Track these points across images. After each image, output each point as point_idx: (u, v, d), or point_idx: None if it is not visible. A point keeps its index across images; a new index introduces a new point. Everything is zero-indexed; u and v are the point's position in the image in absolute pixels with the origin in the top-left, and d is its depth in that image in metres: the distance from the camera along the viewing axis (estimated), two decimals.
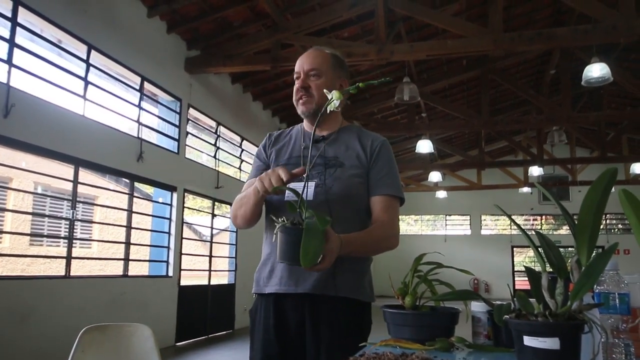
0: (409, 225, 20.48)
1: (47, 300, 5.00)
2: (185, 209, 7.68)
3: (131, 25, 6.41)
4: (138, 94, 6.65)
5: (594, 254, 1.00)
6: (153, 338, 2.02)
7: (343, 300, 1.57)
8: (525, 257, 20.63)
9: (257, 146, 1.84)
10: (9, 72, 4.66)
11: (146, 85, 6.77)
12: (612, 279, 1.07)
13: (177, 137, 7.44)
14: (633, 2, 5.89)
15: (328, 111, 1.37)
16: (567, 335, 0.95)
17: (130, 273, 6.55)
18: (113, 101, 6.23)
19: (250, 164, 1.52)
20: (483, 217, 19.68)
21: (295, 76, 1.69)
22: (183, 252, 7.47)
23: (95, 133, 5.75)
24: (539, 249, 1.06)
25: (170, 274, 7.14)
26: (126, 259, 6.45)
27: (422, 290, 1.41)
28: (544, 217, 19.72)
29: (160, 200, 7.51)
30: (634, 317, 1.05)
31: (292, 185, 1.50)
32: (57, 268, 9.18)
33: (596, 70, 7.17)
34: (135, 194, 6.84)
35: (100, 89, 5.99)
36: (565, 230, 19.08)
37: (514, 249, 19.24)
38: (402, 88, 8.12)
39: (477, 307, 1.37)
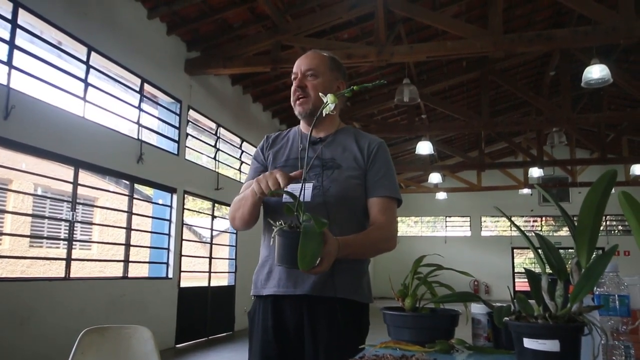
0: (409, 226, 20.47)
1: (47, 302, 5.00)
2: (185, 211, 7.68)
3: (131, 26, 6.42)
4: (138, 95, 6.65)
5: (593, 255, 1.00)
6: (153, 340, 2.02)
7: (341, 301, 1.57)
8: (525, 259, 20.63)
9: (256, 147, 1.85)
10: (9, 74, 4.66)
11: (146, 86, 6.78)
12: (612, 280, 1.07)
13: (177, 138, 7.44)
14: (633, 4, 5.89)
15: (324, 114, 1.37)
16: (567, 337, 0.95)
17: (130, 275, 6.55)
18: (113, 103, 6.24)
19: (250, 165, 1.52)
20: (483, 218, 19.68)
21: (292, 77, 1.70)
22: (183, 253, 7.47)
23: (95, 135, 5.76)
24: (539, 250, 1.06)
25: (170, 275, 7.13)
26: (126, 261, 6.45)
27: (422, 292, 1.40)
28: (544, 218, 19.72)
29: (160, 201, 7.51)
30: (634, 319, 1.05)
31: (289, 187, 1.50)
32: (56, 270, 9.18)
33: (596, 72, 7.18)
34: (135, 196, 6.84)
35: (100, 91, 5.99)
36: (565, 232, 19.07)
37: (514, 250, 19.23)
38: (402, 89, 8.12)
39: (477, 309, 1.37)
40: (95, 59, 5.87)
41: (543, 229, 19.50)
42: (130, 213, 6.64)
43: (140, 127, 6.60)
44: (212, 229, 8.66)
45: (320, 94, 1.50)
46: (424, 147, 10.66)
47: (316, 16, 7.22)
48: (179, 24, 7.07)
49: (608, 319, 1.04)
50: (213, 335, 8.17)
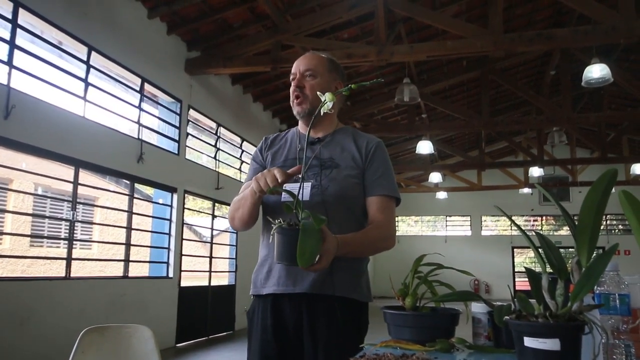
0: (409, 226, 20.48)
1: (47, 301, 5.00)
2: (185, 210, 7.68)
3: (131, 26, 6.42)
4: (138, 95, 6.65)
5: (594, 254, 1.00)
6: (153, 339, 2.02)
7: (340, 299, 1.57)
8: (525, 258, 20.64)
9: (256, 147, 1.86)
10: (9, 74, 4.66)
11: (146, 86, 6.78)
12: (612, 279, 1.07)
13: (177, 138, 7.44)
14: (633, 3, 5.89)
15: (322, 113, 1.38)
16: (567, 336, 0.95)
17: (130, 274, 6.55)
18: (113, 102, 6.24)
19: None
20: (483, 217, 19.68)
21: (291, 77, 1.72)
22: (183, 253, 7.47)
23: (96, 134, 5.76)
24: (540, 249, 1.06)
25: (171, 275, 7.14)
26: (126, 260, 6.45)
27: (423, 291, 1.41)
28: (544, 217, 19.72)
29: (161, 201, 7.51)
30: (635, 318, 1.05)
31: (288, 186, 1.52)
32: (57, 269, 9.18)
33: (596, 71, 7.17)
34: (135, 195, 6.84)
35: (101, 90, 6.00)
36: (565, 231, 19.07)
37: (515, 249, 19.24)
38: (402, 89, 8.12)
39: (478, 308, 1.37)
40: (96, 59, 5.87)
41: (543, 228, 19.50)
42: (130, 212, 6.65)
43: (140, 127, 6.61)
44: (212, 229, 8.66)
45: (318, 92, 1.51)
46: (424, 147, 10.66)
47: (316, 16, 7.22)
48: (179, 23, 7.07)
49: (608, 318, 1.04)
50: (213, 335, 8.18)
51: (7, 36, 4.74)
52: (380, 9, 6.67)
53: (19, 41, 4.85)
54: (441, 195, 17.40)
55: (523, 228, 1.18)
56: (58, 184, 7.46)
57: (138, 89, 6.65)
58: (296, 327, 1.58)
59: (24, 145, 4.82)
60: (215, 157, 8.65)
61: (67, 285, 5.33)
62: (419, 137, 11.23)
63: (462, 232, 19.94)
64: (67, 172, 5.68)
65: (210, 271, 8.42)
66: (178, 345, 7.15)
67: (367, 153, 1.68)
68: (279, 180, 1.41)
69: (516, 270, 19.11)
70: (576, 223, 1.00)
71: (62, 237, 9.27)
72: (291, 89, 1.70)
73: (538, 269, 1.13)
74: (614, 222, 18.93)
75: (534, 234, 1.13)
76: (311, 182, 1.62)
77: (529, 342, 0.97)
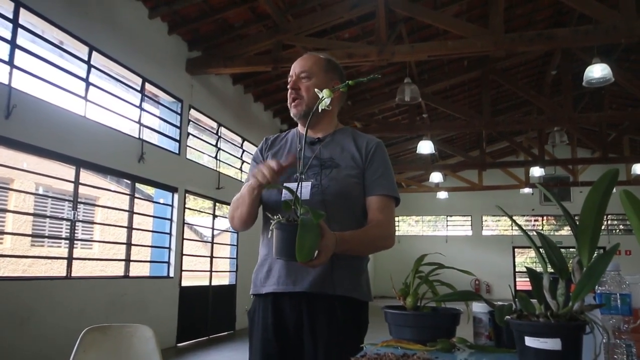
0: (410, 226, 20.47)
1: (48, 301, 5.00)
2: (186, 210, 7.69)
3: (132, 26, 6.42)
4: (139, 95, 6.66)
5: (595, 254, 1.00)
6: (154, 339, 2.02)
7: (340, 298, 1.58)
8: (526, 258, 20.64)
9: (257, 147, 1.87)
10: (10, 73, 4.67)
11: (147, 86, 6.78)
12: (613, 279, 1.07)
13: (178, 138, 7.45)
14: (634, 3, 5.88)
15: (320, 110, 1.39)
16: (568, 336, 0.95)
17: (131, 274, 6.56)
18: (114, 102, 6.24)
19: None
20: (484, 217, 19.67)
21: (288, 79, 1.73)
22: (184, 253, 7.48)
23: (97, 134, 5.76)
24: (541, 249, 1.07)
25: (171, 274, 7.14)
26: (127, 260, 6.46)
27: (424, 291, 1.41)
28: (545, 217, 19.71)
29: (161, 201, 7.52)
30: (636, 318, 1.05)
31: (288, 185, 1.55)
32: (58, 269, 9.21)
33: (597, 71, 7.16)
34: (136, 195, 6.85)
35: (102, 90, 6.00)
36: (566, 231, 19.06)
37: (515, 249, 19.23)
38: (403, 89, 8.11)
39: (479, 307, 1.37)
40: (97, 59, 5.88)
41: (544, 228, 19.49)
42: (131, 212, 6.65)
43: (141, 127, 6.61)
44: (213, 228, 8.67)
45: (315, 90, 1.52)
46: (425, 147, 10.66)
47: (317, 16, 7.22)
48: (179, 23, 7.07)
49: (610, 318, 1.04)
50: (214, 334, 8.18)
51: (8, 36, 4.74)
52: (381, 9, 6.67)
53: (20, 41, 4.86)
54: (442, 195, 17.40)
55: (524, 228, 1.18)
56: (59, 184, 7.46)
57: (139, 88, 6.65)
58: (296, 326, 1.59)
59: (25, 145, 4.83)
60: (216, 157, 8.66)
61: (68, 285, 5.33)
62: (419, 137, 11.23)
63: (462, 232, 19.93)
64: (68, 171, 5.69)
65: (211, 271, 8.42)
66: (179, 345, 7.15)
67: (367, 153, 1.68)
68: (275, 169, 1.43)
69: (517, 270, 19.10)
70: (577, 223, 1.00)
71: (63, 236, 9.27)
72: (288, 92, 1.72)
73: (539, 268, 1.13)
74: (615, 222, 18.92)
75: (535, 233, 1.13)
76: (311, 182, 1.63)
77: (530, 341, 0.97)
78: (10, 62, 4.71)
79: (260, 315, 1.65)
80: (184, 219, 7.53)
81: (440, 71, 10.64)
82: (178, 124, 7.47)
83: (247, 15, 7.24)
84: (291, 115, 1.73)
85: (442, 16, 7.34)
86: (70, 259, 5.44)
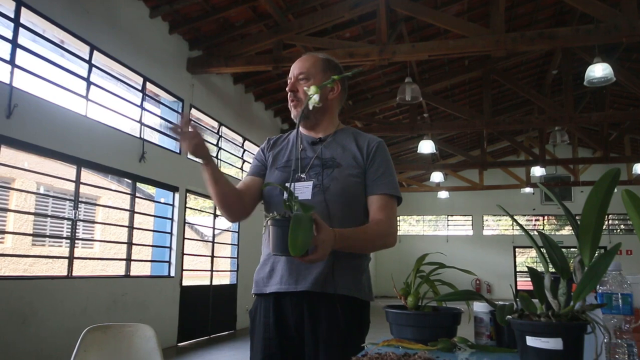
0: (411, 225, 20.47)
1: (49, 300, 5.01)
2: (187, 209, 7.69)
3: (133, 25, 6.42)
4: (140, 94, 6.66)
5: (596, 254, 1.00)
6: (155, 338, 2.03)
7: (342, 298, 1.58)
8: (527, 258, 20.63)
9: (259, 146, 1.88)
10: (11, 73, 4.67)
11: (148, 85, 6.78)
12: (615, 279, 1.07)
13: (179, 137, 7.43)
14: (635, 2, 5.88)
15: (310, 107, 1.39)
16: (570, 335, 0.95)
17: (132, 273, 6.56)
18: (115, 101, 6.24)
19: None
20: (485, 217, 19.67)
21: (288, 81, 1.74)
22: (185, 252, 7.48)
23: (98, 133, 5.76)
24: (542, 249, 1.06)
25: (172, 274, 7.15)
26: (128, 259, 6.46)
27: (425, 291, 1.41)
28: (546, 217, 19.70)
29: (162, 200, 7.52)
30: (637, 318, 1.05)
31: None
32: (59, 268, 9.22)
33: (598, 71, 7.15)
34: (137, 194, 6.85)
35: (103, 90, 6.00)
36: (567, 231, 19.05)
37: (516, 249, 19.23)
38: (404, 88, 8.11)
39: (480, 307, 1.37)
40: (98, 58, 5.88)
41: (545, 228, 19.48)
42: (132, 212, 6.65)
43: (142, 126, 6.61)
44: (214, 228, 8.67)
45: (304, 87, 1.54)
46: (426, 146, 10.65)
47: (318, 15, 7.22)
48: (180, 22, 7.07)
49: (611, 318, 1.04)
50: (215, 334, 8.19)
51: (10, 35, 4.74)
52: (382, 8, 6.67)
53: (21, 40, 4.86)
54: (443, 194, 17.39)
55: (525, 228, 1.18)
56: (60, 183, 7.47)
57: (140, 88, 6.65)
58: (298, 326, 1.59)
59: (26, 144, 4.83)
60: (216, 157, 8.66)
61: (69, 284, 5.34)
62: (420, 137, 11.22)
63: (463, 231, 19.93)
64: (69, 171, 5.69)
65: (211, 270, 8.43)
66: (180, 344, 7.16)
67: (369, 152, 1.69)
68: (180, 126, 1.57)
69: (518, 269, 19.10)
70: (578, 222, 1.00)
71: (64, 236, 9.28)
72: (288, 93, 1.73)
73: (540, 268, 1.13)
74: (616, 222, 18.91)
75: (536, 233, 1.13)
76: (312, 182, 1.63)
77: (531, 341, 0.97)
78: (12, 62, 4.71)
79: (261, 314, 1.65)
80: (184, 219, 7.54)
81: (441, 71, 10.64)
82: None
83: (248, 15, 7.24)
84: (292, 117, 1.74)
85: (443, 15, 7.33)
86: (71, 258, 5.44)
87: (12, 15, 4.78)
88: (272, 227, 1.34)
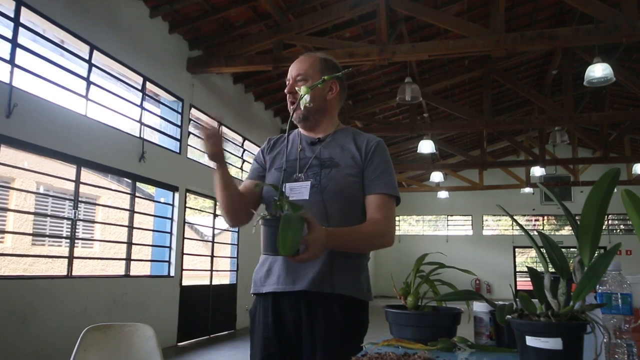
0: (411, 225, 20.47)
1: (49, 300, 5.01)
2: (187, 209, 7.69)
3: (133, 25, 6.42)
4: (140, 94, 6.66)
5: (596, 254, 1.00)
6: (155, 338, 2.03)
7: (339, 297, 1.57)
8: (527, 258, 20.63)
9: (259, 146, 1.89)
10: (11, 72, 4.67)
11: (148, 85, 6.78)
12: (614, 279, 1.07)
13: (179, 137, 7.45)
14: (635, 2, 5.88)
15: (302, 107, 1.45)
16: (569, 335, 0.95)
17: (132, 273, 6.56)
18: (115, 101, 6.24)
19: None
20: (485, 217, 19.67)
21: (286, 82, 1.74)
22: (185, 252, 7.48)
23: (98, 133, 5.76)
24: (542, 249, 1.06)
25: (172, 274, 7.15)
26: (128, 259, 6.46)
27: (424, 291, 1.41)
28: (545, 217, 19.70)
29: (162, 200, 7.52)
30: (637, 318, 1.05)
31: (289, 185, 1.61)
32: (59, 268, 9.22)
33: (598, 71, 7.16)
34: (137, 194, 6.85)
35: (103, 89, 6.00)
36: (567, 231, 19.05)
37: (516, 249, 19.23)
38: (404, 88, 8.11)
39: (480, 307, 1.37)
40: (98, 58, 5.88)
41: (545, 228, 19.48)
42: (132, 211, 6.65)
43: (142, 126, 6.61)
44: (214, 228, 8.67)
45: (295, 88, 1.54)
46: (426, 146, 10.65)
47: (318, 15, 7.21)
48: (180, 22, 7.07)
49: (610, 317, 1.04)
50: (215, 334, 8.19)
51: (10, 35, 4.74)
52: (382, 8, 6.67)
53: (21, 40, 4.86)
54: (442, 194, 17.40)
55: (524, 228, 1.18)
56: (60, 183, 7.47)
57: (140, 87, 6.65)
58: (295, 325, 1.59)
59: (26, 144, 4.83)
60: None
61: (68, 284, 5.34)
62: (420, 137, 11.22)
63: (463, 231, 19.93)
64: (69, 170, 5.69)
65: (211, 270, 8.43)
66: (179, 344, 7.16)
67: (367, 152, 1.68)
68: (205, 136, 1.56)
69: (518, 269, 19.10)
70: (578, 223, 1.00)
71: (64, 235, 9.28)
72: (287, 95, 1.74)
73: (540, 268, 1.13)
74: (616, 222, 18.91)
75: (535, 233, 1.13)
76: (310, 182, 1.63)
77: (531, 341, 0.97)
78: (12, 61, 4.71)
79: (260, 314, 1.65)
80: (184, 218, 7.54)
81: (441, 71, 10.64)
82: (179, 123, 7.47)
83: (248, 15, 7.24)
84: (292, 119, 1.74)
85: (443, 15, 7.33)
86: (71, 258, 5.44)
87: (12, 15, 4.78)
88: (263, 227, 1.35)
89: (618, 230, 18.94)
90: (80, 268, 8.70)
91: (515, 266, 19.07)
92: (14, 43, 4.76)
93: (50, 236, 10.96)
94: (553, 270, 1.05)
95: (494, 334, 1.34)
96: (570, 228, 1.07)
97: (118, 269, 7.30)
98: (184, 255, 7.46)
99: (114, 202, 9.47)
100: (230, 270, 9.31)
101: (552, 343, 0.94)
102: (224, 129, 8.72)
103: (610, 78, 7.16)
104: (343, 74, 1.61)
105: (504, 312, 1.10)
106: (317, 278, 1.55)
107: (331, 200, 1.60)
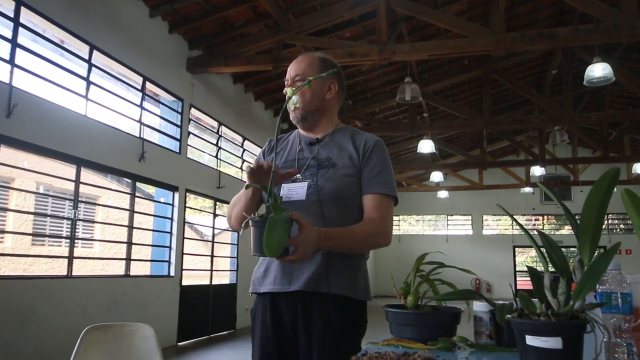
0: (411, 225, 20.47)
1: (49, 300, 5.01)
2: (186, 209, 7.69)
3: (133, 25, 6.42)
4: (140, 94, 6.66)
5: (596, 253, 1.00)
6: (155, 338, 2.03)
7: (335, 297, 1.57)
8: (527, 257, 20.63)
9: (259, 146, 1.89)
10: (11, 72, 4.67)
11: (148, 85, 6.78)
12: (614, 278, 1.07)
13: (178, 137, 7.45)
14: (635, 2, 5.88)
15: (292, 109, 1.49)
16: (569, 334, 0.95)
17: (132, 273, 6.56)
18: (115, 101, 6.24)
19: (252, 164, 1.55)
20: (485, 217, 19.67)
21: (285, 82, 1.74)
22: (185, 252, 7.48)
23: (97, 133, 5.76)
24: (542, 248, 1.07)
25: (172, 273, 7.15)
26: (128, 259, 6.46)
27: (424, 290, 1.41)
28: (545, 217, 19.70)
29: (162, 200, 7.52)
30: (637, 317, 1.05)
31: (286, 185, 1.61)
32: (58, 268, 9.22)
33: (598, 70, 7.16)
34: (137, 194, 6.85)
35: (102, 89, 6.00)
36: (567, 230, 19.06)
37: (516, 249, 19.23)
38: (404, 88, 8.11)
39: (479, 306, 1.37)
40: (98, 57, 5.88)
41: (545, 228, 19.48)
42: (132, 211, 6.65)
43: (142, 126, 6.61)
44: (213, 227, 8.67)
45: (287, 89, 1.54)
46: (426, 146, 10.65)
47: (318, 15, 7.22)
48: (180, 22, 7.07)
49: (610, 317, 1.04)
50: (215, 334, 8.19)
51: (9, 34, 4.74)
52: (382, 8, 6.67)
53: (20, 40, 4.86)
54: (442, 194, 17.40)
55: (524, 227, 1.18)
56: (60, 183, 7.48)
57: (140, 87, 6.65)
58: (293, 325, 1.59)
59: (26, 144, 4.83)
60: (216, 156, 8.66)
61: (68, 284, 5.34)
62: (420, 136, 11.22)
63: (463, 231, 19.93)
64: (69, 170, 5.69)
65: (211, 270, 8.43)
66: (179, 344, 7.16)
67: (365, 152, 1.67)
68: (252, 167, 1.46)
69: (517, 269, 19.10)
70: (578, 222, 1.00)
71: (64, 235, 9.28)
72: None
73: (540, 268, 1.13)
74: (616, 222, 18.92)
75: (535, 233, 1.13)
76: (307, 182, 1.63)
77: (531, 340, 0.97)
78: (11, 61, 4.71)
79: (260, 313, 1.67)
80: (184, 218, 7.54)
81: (440, 70, 10.64)
82: (179, 123, 7.47)
83: (248, 14, 7.24)
84: (290, 118, 1.74)
85: (443, 15, 7.34)
86: (71, 258, 5.44)
87: (11, 15, 4.78)
88: (252, 228, 1.35)
89: (618, 230, 18.94)
90: (80, 268, 8.70)
91: (515, 266, 19.07)
92: (14, 43, 4.76)
93: (50, 236, 10.95)
94: (553, 269, 1.05)
95: (494, 333, 1.34)
96: (570, 227, 1.07)
97: (118, 268, 7.30)
98: (184, 255, 7.47)
99: (113, 202, 9.47)
100: (230, 270, 9.31)
101: (552, 342, 0.94)
102: (223, 129, 8.72)
103: (610, 78, 7.16)
104: (328, 74, 1.61)
105: (504, 312, 1.10)
106: (313, 278, 1.55)
107: (328, 200, 1.59)
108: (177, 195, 7.35)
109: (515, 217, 1.36)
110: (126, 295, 6.15)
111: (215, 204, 8.62)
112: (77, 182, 5.56)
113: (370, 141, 1.70)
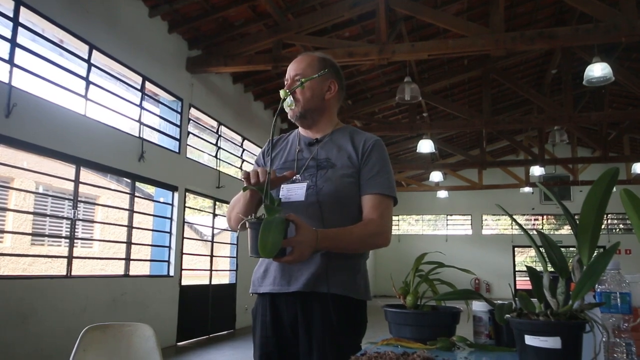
0: (410, 225, 20.47)
1: (48, 300, 5.01)
2: (186, 209, 7.69)
3: (132, 25, 6.42)
4: (139, 93, 6.66)
5: (595, 253, 1.00)
6: (154, 337, 2.02)
7: (335, 297, 1.57)
8: (526, 257, 20.64)
9: (258, 146, 1.89)
10: (10, 72, 4.66)
11: (147, 85, 6.78)
12: (613, 278, 1.07)
13: (178, 136, 7.45)
14: (634, 2, 5.88)
15: (287, 110, 1.49)
16: (568, 334, 0.95)
17: (131, 273, 6.56)
18: (114, 101, 6.24)
19: (252, 164, 1.56)
20: (484, 216, 19.67)
21: (284, 82, 1.74)
22: (184, 251, 7.48)
23: (97, 133, 5.76)
24: (541, 248, 1.07)
25: (172, 273, 7.14)
26: (127, 259, 6.46)
27: (424, 290, 1.41)
28: (545, 217, 19.70)
29: (162, 200, 7.52)
30: (636, 317, 1.05)
31: (285, 186, 1.62)
32: (58, 268, 9.21)
33: (597, 70, 7.16)
34: (136, 194, 6.85)
35: (102, 89, 6.00)
36: (566, 230, 19.06)
37: (515, 248, 19.23)
38: (404, 88, 8.11)
39: (479, 306, 1.37)
40: (97, 57, 5.88)
41: (544, 227, 19.48)
42: (131, 211, 6.65)
43: (141, 125, 6.61)
44: (213, 227, 8.67)
45: (280, 91, 1.55)
46: (425, 146, 10.66)
47: (317, 14, 7.21)
48: (180, 22, 7.07)
49: (609, 317, 1.04)
50: (214, 333, 8.19)
51: (9, 34, 4.74)
52: (382, 8, 6.67)
53: (20, 39, 4.85)
54: (442, 194, 17.40)
55: (524, 227, 1.18)
56: (59, 183, 7.47)
57: (139, 87, 6.65)
58: (293, 325, 1.59)
59: (25, 144, 4.83)
60: (216, 156, 8.66)
61: (68, 284, 5.34)
62: (419, 136, 11.23)
63: (462, 231, 19.93)
64: (68, 170, 5.69)
65: (211, 270, 8.43)
66: (179, 343, 7.16)
67: (364, 152, 1.67)
68: (260, 176, 1.45)
69: (517, 269, 19.11)
70: (577, 222, 1.00)
71: (63, 235, 9.27)
72: None
73: (539, 267, 1.13)
74: (615, 221, 18.92)
75: (535, 232, 1.13)
76: (306, 183, 1.63)
77: (530, 340, 0.97)
78: (11, 61, 4.70)
79: (260, 313, 1.67)
80: (184, 218, 7.54)
81: (440, 70, 10.64)
82: (178, 123, 7.47)
83: (247, 14, 7.24)
84: (289, 117, 1.74)
85: (443, 15, 7.34)
86: (70, 257, 5.44)
87: (11, 15, 4.78)
88: (249, 229, 1.36)
89: (617, 230, 18.95)
90: (80, 268, 8.70)
91: (514, 265, 19.07)
92: (13, 43, 4.76)
93: (49, 236, 10.95)
94: (552, 269, 1.05)
95: (493, 333, 1.34)
96: (570, 227, 1.07)
97: (117, 268, 7.30)
98: (184, 255, 7.46)
99: (113, 202, 9.46)
100: (229, 270, 9.31)
101: (551, 342, 0.94)
102: (223, 129, 8.72)
103: (609, 77, 7.17)
104: (320, 75, 1.61)
105: (503, 312, 1.10)
106: (312, 279, 1.55)
107: (327, 201, 1.59)
108: (176, 195, 7.35)
109: (514, 217, 1.36)
110: (126, 295, 6.15)
111: (214, 204, 8.61)
112: (77, 182, 5.56)
113: (369, 141, 1.69)
